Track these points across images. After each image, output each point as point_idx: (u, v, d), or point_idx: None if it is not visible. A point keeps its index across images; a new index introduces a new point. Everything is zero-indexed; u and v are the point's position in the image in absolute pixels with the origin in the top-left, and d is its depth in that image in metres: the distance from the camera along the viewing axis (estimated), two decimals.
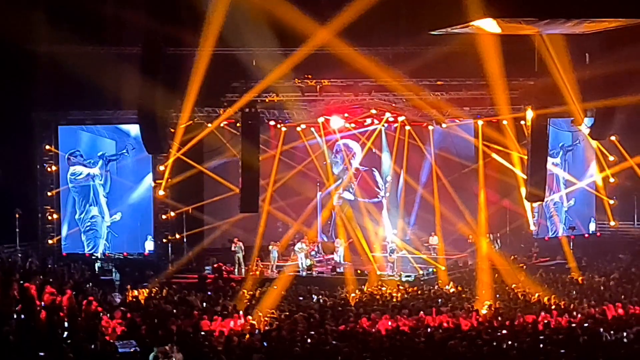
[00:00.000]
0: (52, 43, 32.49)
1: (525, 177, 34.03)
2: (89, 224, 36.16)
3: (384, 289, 31.11)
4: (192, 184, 36.40)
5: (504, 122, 37.27)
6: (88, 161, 36.10)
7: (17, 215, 33.40)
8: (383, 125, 38.48)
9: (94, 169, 36.12)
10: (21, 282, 23.47)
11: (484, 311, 25.77)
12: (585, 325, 23.14)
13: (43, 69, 33.53)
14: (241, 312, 25.10)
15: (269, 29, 31.22)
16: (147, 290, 29.89)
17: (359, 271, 34.50)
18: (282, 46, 32.52)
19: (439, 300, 28.06)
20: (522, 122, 35.38)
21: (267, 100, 33.67)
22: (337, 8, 29.45)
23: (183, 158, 34.94)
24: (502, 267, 33.67)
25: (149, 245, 36.34)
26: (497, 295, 28.95)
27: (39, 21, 32.11)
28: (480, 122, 37.55)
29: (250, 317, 24.50)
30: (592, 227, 40.86)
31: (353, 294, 29.99)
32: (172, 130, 33.90)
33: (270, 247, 35.73)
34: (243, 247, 35.39)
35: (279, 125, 37.14)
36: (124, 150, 36.15)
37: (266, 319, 24.70)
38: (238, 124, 32.48)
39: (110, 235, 36.25)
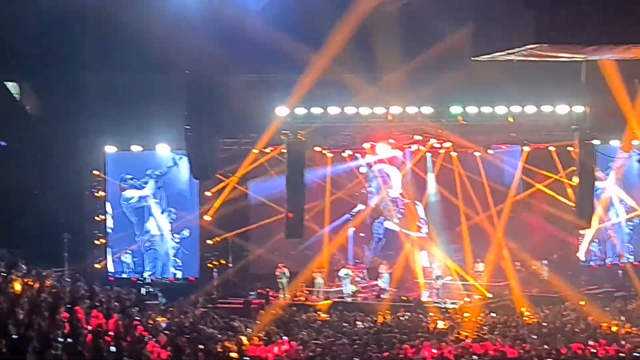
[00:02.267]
0: (98, 70, 33.18)
1: (573, 204, 33.65)
2: (148, 244, 36.44)
3: (431, 314, 31.02)
4: (238, 210, 36.50)
5: (551, 148, 37.05)
6: (138, 182, 36.33)
7: (65, 240, 33.77)
8: (428, 152, 38.34)
9: (145, 190, 36.36)
10: (69, 305, 23.63)
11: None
12: (635, 354, 22.85)
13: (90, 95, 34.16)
14: (285, 338, 25.11)
15: None
16: (192, 314, 29.92)
17: (403, 298, 34.37)
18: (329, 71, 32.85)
19: (485, 327, 27.86)
20: (570, 149, 35.06)
21: (312, 126, 33.74)
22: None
23: (238, 186, 35.37)
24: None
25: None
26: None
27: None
28: (526, 149, 37.34)
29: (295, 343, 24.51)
30: None
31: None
32: (221, 156, 34.27)
33: (314, 273, 35.67)
34: (288, 273, 35.35)
35: (324, 152, 37.14)
36: (172, 163, 36.20)
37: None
38: (284, 150, 32.54)
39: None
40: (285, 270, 35.24)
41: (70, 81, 33.90)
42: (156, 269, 36.53)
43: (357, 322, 29.42)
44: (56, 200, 34.35)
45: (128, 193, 36.47)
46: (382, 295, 35.25)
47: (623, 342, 24.71)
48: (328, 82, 33.14)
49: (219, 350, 22.74)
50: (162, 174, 36.42)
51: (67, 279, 29.95)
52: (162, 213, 36.53)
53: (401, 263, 37.78)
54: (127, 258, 36.53)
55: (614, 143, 36.58)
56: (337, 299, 34.74)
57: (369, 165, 38.73)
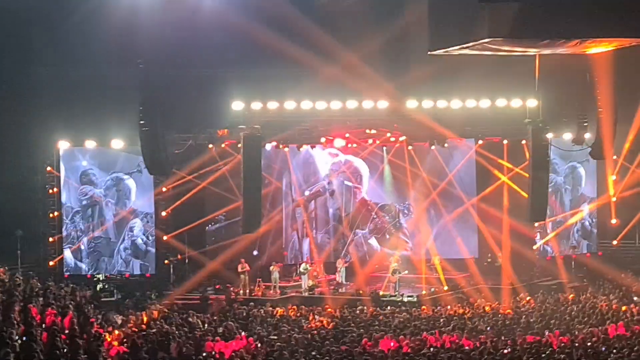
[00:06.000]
0: (50, 64, 32.96)
1: (527, 196, 33.81)
2: (92, 245, 36.07)
3: (388, 308, 31.10)
4: (194, 205, 36.37)
5: (505, 141, 37.40)
6: (99, 180, 36.01)
7: (18, 236, 33.48)
8: (384, 145, 38.56)
9: (100, 190, 35.98)
10: (22, 304, 23.42)
11: None
12: (588, 344, 23.11)
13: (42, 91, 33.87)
14: (243, 333, 25.08)
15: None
16: (148, 311, 29.75)
17: (360, 291, 34.46)
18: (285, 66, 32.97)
19: (441, 320, 28.00)
20: (523, 142, 35.35)
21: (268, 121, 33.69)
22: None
23: (191, 178, 35.43)
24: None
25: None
26: None
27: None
28: (480, 142, 37.76)
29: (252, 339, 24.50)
30: (594, 246, 40.76)
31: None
32: (176, 151, 34.18)
33: (271, 268, 35.68)
34: (249, 268, 35.30)
35: (280, 146, 37.07)
36: (137, 168, 35.85)
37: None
38: (239, 145, 32.36)
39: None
40: (247, 265, 35.17)
41: (21, 77, 33.60)
42: (99, 268, 36.14)
43: (315, 317, 29.42)
44: (9, 196, 33.99)
45: (84, 189, 36.06)
46: (339, 290, 35.29)
47: (577, 333, 25.00)
48: (284, 77, 33.24)
49: (176, 347, 22.66)
50: (125, 177, 36.06)
51: (21, 277, 29.71)
52: (114, 214, 36.14)
53: (358, 257, 38.20)
54: (75, 255, 36.15)
55: (567, 136, 36.87)
56: (294, 294, 34.75)
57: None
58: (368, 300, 32.66)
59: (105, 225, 36.05)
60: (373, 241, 39.90)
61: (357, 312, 30.41)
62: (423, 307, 31.22)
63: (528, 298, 32.58)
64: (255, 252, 36.43)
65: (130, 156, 35.43)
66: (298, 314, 30.19)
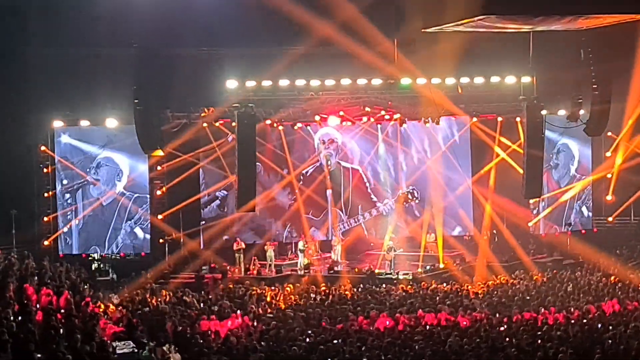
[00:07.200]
0: (43, 45, 32.87)
1: (522, 172, 33.80)
2: (82, 224, 35.98)
3: (383, 286, 31.14)
4: (189, 183, 36.35)
5: (499, 119, 37.33)
6: (78, 162, 35.92)
7: (13, 216, 33.49)
8: (378, 123, 38.45)
9: (83, 172, 35.89)
10: (18, 283, 23.44)
11: None
12: (584, 321, 23.17)
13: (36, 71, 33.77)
14: (239, 312, 25.10)
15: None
16: (144, 290, 29.76)
17: (356, 269, 34.50)
18: (279, 44, 32.87)
19: (437, 297, 28.04)
20: (518, 119, 35.35)
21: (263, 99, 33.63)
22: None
23: (183, 156, 35.42)
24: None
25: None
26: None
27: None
28: (474, 119, 37.69)
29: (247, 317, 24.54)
30: (588, 223, 40.72)
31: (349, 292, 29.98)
32: (173, 130, 34.14)
33: (265, 247, 35.69)
34: (244, 247, 35.34)
35: (275, 124, 36.94)
36: (106, 140, 35.79)
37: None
38: (234, 124, 32.33)
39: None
40: (242, 244, 35.23)
41: (15, 56, 33.48)
42: (91, 248, 36.08)
43: (311, 295, 29.44)
44: (3, 176, 33.94)
45: (67, 172, 35.95)
46: (334, 268, 35.32)
47: (572, 310, 25.04)
48: (279, 55, 33.13)
49: (171, 326, 22.69)
50: (99, 153, 35.98)
51: (16, 256, 29.73)
52: (101, 193, 36.10)
53: (353, 236, 38.19)
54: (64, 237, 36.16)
55: (561, 113, 36.85)
56: (289, 272, 34.77)
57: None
58: (363, 279, 32.69)
59: (95, 204, 35.94)
60: (367, 220, 39.80)
61: (354, 290, 30.47)
62: (419, 284, 31.29)
63: (523, 275, 32.65)
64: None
65: (116, 133, 35.55)
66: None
